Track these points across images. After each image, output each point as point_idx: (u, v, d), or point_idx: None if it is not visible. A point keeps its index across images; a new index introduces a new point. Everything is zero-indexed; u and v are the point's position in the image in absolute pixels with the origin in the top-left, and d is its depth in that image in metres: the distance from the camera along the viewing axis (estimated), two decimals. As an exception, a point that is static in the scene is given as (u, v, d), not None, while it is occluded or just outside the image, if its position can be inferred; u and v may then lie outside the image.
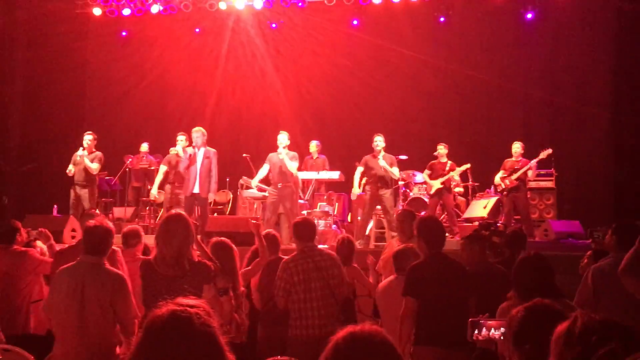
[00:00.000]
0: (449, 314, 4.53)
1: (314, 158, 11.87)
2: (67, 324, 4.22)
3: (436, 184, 10.89)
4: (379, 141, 10.05)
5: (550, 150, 10.54)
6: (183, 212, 4.53)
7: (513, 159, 10.67)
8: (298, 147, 11.06)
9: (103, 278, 4.24)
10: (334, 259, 5.30)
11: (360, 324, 1.99)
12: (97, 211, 6.69)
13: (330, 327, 5.02)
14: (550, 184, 11.63)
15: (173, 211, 4.54)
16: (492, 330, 3.29)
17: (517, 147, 10.68)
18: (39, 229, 6.71)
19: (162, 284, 4.11)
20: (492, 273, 5.34)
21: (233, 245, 5.20)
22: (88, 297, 4.16)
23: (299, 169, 11.30)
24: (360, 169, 10.36)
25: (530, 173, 10.50)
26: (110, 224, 4.49)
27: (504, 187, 10.47)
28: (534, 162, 10.46)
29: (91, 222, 4.45)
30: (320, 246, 7.22)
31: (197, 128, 9.95)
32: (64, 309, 4.21)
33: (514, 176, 10.41)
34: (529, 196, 11.18)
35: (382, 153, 10.03)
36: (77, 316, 4.16)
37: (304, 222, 5.48)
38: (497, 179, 10.61)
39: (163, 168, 10.83)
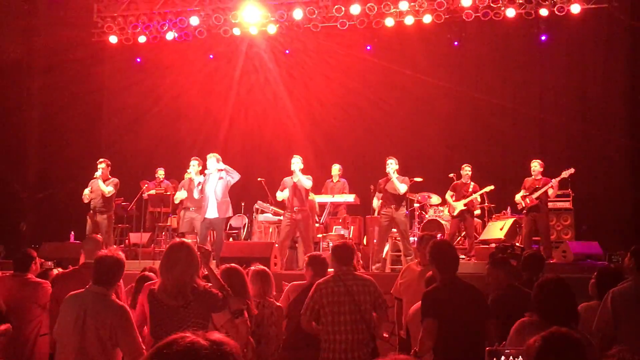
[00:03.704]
0: (464, 338, 4.49)
1: (334, 181, 11.88)
2: (66, 351, 4.19)
3: (459, 206, 10.84)
4: (391, 164, 10.03)
5: (572, 170, 10.34)
6: (187, 240, 4.45)
7: (532, 177, 10.56)
8: (311, 170, 11.07)
9: (105, 310, 4.17)
10: (370, 285, 5.20)
11: (390, 356, 1.95)
12: (99, 236, 6.57)
13: (357, 352, 5.00)
14: (567, 205, 11.51)
15: (177, 239, 4.47)
16: (511, 359, 3.25)
17: (535, 166, 10.53)
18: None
19: (166, 314, 4.03)
20: (519, 296, 5.25)
21: (242, 270, 5.21)
22: (88, 327, 4.12)
23: (319, 192, 11.31)
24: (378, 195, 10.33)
25: (550, 192, 10.39)
26: (122, 255, 4.42)
27: (524, 205, 10.35)
28: (555, 180, 10.31)
29: (103, 252, 4.40)
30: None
31: (210, 155, 10.00)
32: (66, 336, 4.19)
33: (535, 195, 10.28)
34: (547, 217, 11.08)
35: (395, 175, 10.01)
36: (76, 345, 4.12)
37: (342, 246, 5.43)
38: (518, 197, 10.45)
39: (183, 194, 10.88)
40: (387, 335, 5.79)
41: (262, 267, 5.67)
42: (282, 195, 10.34)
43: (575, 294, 4.01)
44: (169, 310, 4.04)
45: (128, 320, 4.20)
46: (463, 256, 10.04)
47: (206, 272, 4.57)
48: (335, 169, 11.99)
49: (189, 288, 4.06)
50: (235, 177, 9.92)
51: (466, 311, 4.59)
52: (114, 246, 10.85)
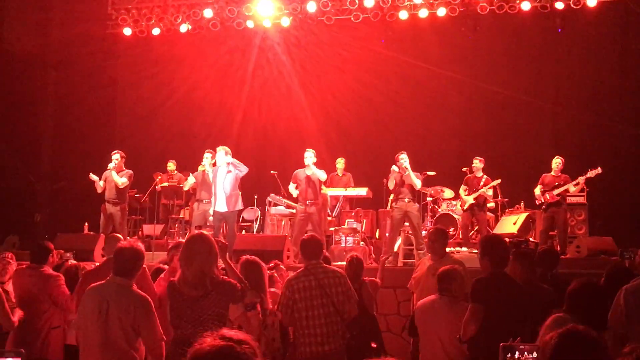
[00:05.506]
0: (503, 333, 4.45)
1: (339, 175, 11.86)
2: (90, 342, 4.25)
3: (469, 200, 10.82)
4: (403, 159, 9.99)
5: (599, 170, 10.29)
6: (205, 232, 4.55)
7: (552, 173, 10.52)
8: (324, 164, 11.08)
9: (128, 300, 4.23)
10: (340, 277, 5.24)
11: None
12: (119, 235, 6.57)
13: (333, 344, 5.05)
14: (582, 200, 11.41)
15: (196, 231, 4.55)
16: (526, 354, 3.24)
17: (558, 163, 10.53)
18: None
19: (186, 304, 4.12)
20: (538, 292, 5.19)
21: (262, 263, 5.22)
22: (112, 317, 4.18)
23: (325, 185, 11.33)
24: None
25: (573, 189, 10.37)
26: (141, 246, 4.49)
27: (543, 201, 10.32)
28: (582, 178, 10.33)
29: (123, 244, 4.47)
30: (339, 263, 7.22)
31: (219, 147, 9.99)
32: (89, 326, 4.24)
33: (556, 191, 10.26)
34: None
35: (408, 169, 9.97)
36: (100, 335, 4.18)
37: (309, 240, 5.45)
38: (538, 191, 10.43)
39: (192, 180, 10.95)
40: (375, 345, 5.80)
41: (252, 257, 5.59)
42: (295, 191, 10.37)
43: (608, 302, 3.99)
44: (190, 300, 4.13)
45: (150, 309, 4.28)
46: (475, 250, 10.00)
47: (223, 266, 4.60)
48: (340, 162, 11.99)
49: (208, 278, 4.15)
50: (242, 170, 9.88)
51: (509, 308, 4.59)
52: (128, 237, 11.02)
